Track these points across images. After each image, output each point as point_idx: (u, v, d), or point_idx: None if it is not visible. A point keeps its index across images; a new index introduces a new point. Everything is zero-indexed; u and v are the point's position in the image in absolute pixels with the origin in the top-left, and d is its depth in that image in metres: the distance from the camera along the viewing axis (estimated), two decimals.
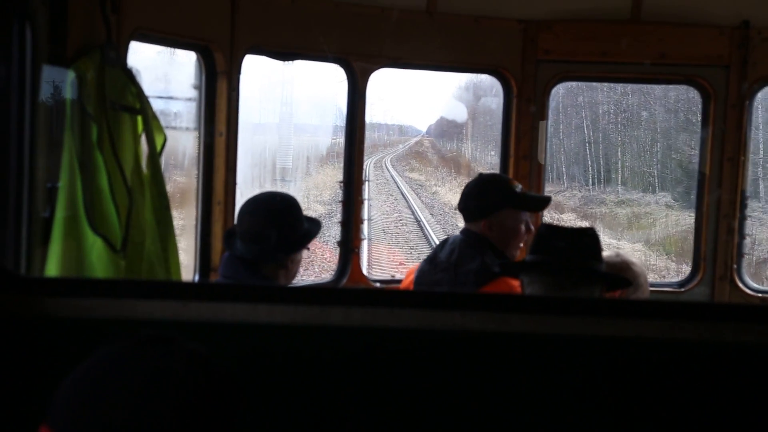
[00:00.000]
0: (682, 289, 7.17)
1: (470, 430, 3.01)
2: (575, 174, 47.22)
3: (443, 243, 5.29)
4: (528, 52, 6.96)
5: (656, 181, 42.56)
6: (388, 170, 59.79)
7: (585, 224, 30.17)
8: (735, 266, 7.03)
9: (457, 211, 5.29)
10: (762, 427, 3.00)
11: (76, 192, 3.90)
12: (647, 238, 32.10)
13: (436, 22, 6.79)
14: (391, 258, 23.21)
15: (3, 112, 3.46)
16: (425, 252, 22.76)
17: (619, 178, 44.83)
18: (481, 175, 5.45)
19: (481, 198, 5.17)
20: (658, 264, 27.46)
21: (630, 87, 40.91)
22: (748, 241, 7.20)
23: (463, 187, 5.35)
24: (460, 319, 3.00)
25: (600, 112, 48.91)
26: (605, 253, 4.34)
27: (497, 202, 5.13)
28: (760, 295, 7.12)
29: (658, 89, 41.08)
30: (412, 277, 5.35)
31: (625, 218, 37.04)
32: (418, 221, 30.81)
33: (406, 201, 37.66)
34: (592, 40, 6.97)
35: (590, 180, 45.99)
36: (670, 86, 30.66)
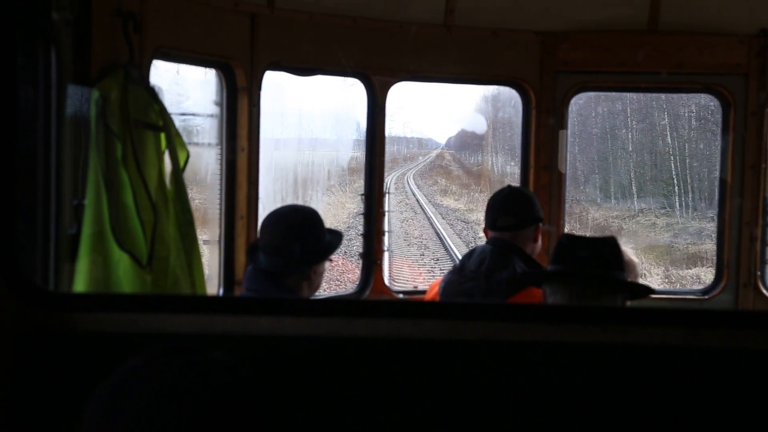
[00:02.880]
0: (706, 297, 7.15)
1: None
2: (649, 193, 37.42)
3: (470, 253, 5.35)
4: (546, 64, 6.98)
5: None
6: (411, 191, 50.44)
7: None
8: (759, 273, 7.01)
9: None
10: None
11: (102, 209, 3.95)
12: None
13: (454, 35, 6.82)
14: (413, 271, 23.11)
15: (30, 131, 3.52)
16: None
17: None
18: (516, 186, 5.79)
19: (534, 206, 5.42)
20: None
21: None
22: None
23: (504, 200, 5.45)
24: (485, 329, 3.01)
25: (684, 113, 38.14)
26: None
27: (539, 209, 5.47)
28: None
29: None
30: (436, 289, 5.37)
31: None
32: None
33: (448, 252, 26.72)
34: (610, 51, 6.98)
35: (677, 202, 35.34)
36: None
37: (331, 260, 4.85)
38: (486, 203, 5.56)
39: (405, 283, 20.50)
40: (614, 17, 6.97)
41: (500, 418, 3.01)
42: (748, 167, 6.96)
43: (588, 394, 3.01)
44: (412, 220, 35.77)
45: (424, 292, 6.18)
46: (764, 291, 7.01)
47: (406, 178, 61.24)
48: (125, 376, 2.25)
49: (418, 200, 45.01)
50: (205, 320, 3.00)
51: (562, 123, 7.06)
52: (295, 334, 2.97)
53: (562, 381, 3.01)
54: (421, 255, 26.53)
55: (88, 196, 3.96)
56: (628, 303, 4.23)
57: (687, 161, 37.31)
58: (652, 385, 3.00)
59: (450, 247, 27.21)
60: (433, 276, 22.00)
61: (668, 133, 38.25)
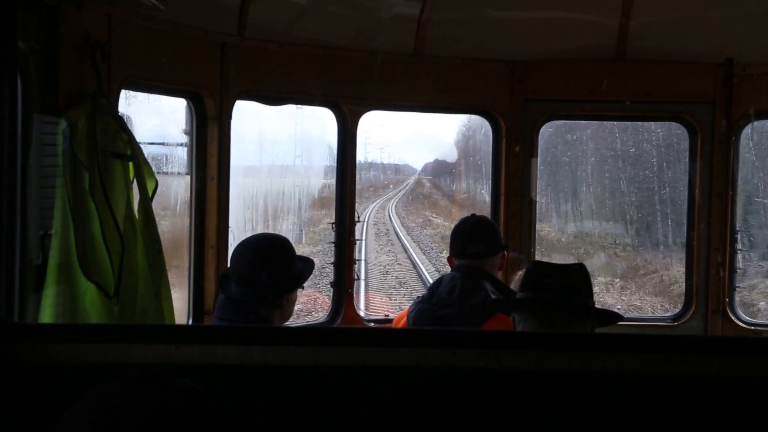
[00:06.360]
0: (676, 323, 7.18)
1: None
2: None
3: (438, 281, 5.35)
4: (516, 92, 7.03)
5: None
6: (396, 233, 39.09)
7: None
8: (727, 300, 7.06)
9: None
10: None
11: (68, 239, 3.92)
12: None
13: (424, 64, 6.86)
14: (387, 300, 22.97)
15: None
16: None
17: None
18: (479, 215, 5.76)
19: (499, 234, 5.64)
20: None
21: None
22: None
23: (473, 228, 5.50)
24: (452, 357, 3.01)
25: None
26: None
27: (502, 237, 5.68)
28: (752, 327, 7.14)
29: None
30: (404, 320, 5.37)
31: None
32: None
33: None
34: (579, 79, 7.05)
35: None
36: None
37: (303, 288, 4.83)
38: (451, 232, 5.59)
39: (380, 313, 20.42)
40: (583, 46, 7.04)
41: None
42: (715, 195, 7.02)
43: (557, 420, 3.01)
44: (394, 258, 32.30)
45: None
46: (733, 317, 7.06)
47: (389, 211, 53.77)
48: (97, 405, 2.22)
49: (405, 249, 34.38)
50: (171, 350, 2.98)
51: (532, 151, 7.10)
52: (262, 363, 2.96)
53: (530, 409, 3.01)
54: (398, 285, 26.23)
55: (54, 226, 3.93)
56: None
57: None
58: (621, 412, 3.01)
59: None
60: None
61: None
